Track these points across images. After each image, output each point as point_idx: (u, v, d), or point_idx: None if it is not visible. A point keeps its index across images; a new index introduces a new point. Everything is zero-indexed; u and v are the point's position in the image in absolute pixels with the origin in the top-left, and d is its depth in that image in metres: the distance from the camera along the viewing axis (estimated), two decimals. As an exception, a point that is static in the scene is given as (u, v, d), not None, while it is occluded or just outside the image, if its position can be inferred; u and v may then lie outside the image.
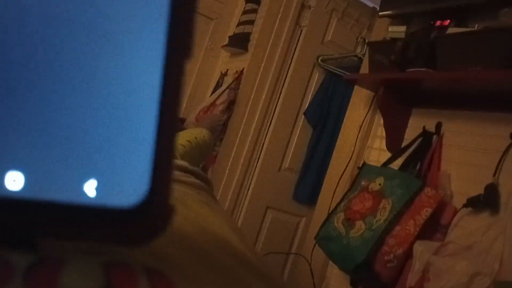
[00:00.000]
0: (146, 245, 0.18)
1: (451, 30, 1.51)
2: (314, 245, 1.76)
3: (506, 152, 1.38)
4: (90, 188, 0.17)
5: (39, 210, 0.16)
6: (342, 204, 1.67)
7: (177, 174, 0.66)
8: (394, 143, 1.75)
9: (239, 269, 0.29)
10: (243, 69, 2.87)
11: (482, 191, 1.37)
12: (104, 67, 0.17)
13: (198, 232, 0.32)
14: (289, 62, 2.76)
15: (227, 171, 2.70)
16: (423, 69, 1.52)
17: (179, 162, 0.77)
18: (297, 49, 2.76)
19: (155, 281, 0.20)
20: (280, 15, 2.73)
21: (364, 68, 2.01)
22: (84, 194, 0.17)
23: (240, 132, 2.70)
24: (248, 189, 2.71)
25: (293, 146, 2.77)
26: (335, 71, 2.71)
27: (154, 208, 0.17)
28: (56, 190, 0.17)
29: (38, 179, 0.16)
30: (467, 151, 1.53)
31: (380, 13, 1.90)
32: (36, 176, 0.16)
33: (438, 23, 1.58)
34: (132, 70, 0.17)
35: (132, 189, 0.17)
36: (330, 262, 1.80)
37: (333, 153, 2.09)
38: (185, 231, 0.31)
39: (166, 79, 0.17)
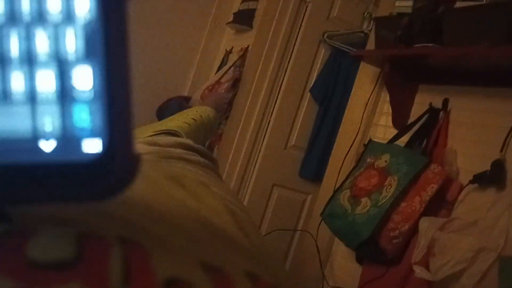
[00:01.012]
0: (115, 196, 0.17)
1: (459, 4, 1.48)
2: (320, 222, 1.77)
3: (513, 128, 1.37)
4: (46, 145, 0.16)
5: None
6: (348, 181, 1.67)
7: (181, 152, 0.66)
8: (400, 120, 1.74)
9: (220, 247, 0.29)
10: (248, 46, 2.85)
11: (488, 167, 1.36)
12: (41, 18, 0.16)
13: (182, 211, 0.32)
14: (294, 38, 2.73)
15: (233, 149, 2.70)
16: (430, 45, 1.49)
17: (184, 140, 0.77)
18: (302, 25, 2.72)
19: (128, 252, 0.20)
20: (285, -10, 2.69)
21: (370, 44, 1.99)
22: (41, 152, 0.16)
23: (246, 110, 2.69)
24: (254, 167, 2.72)
25: (299, 123, 2.76)
26: (341, 48, 2.68)
27: (116, 158, 0.17)
28: (11, 152, 0.16)
29: None
30: (474, 128, 1.52)
31: (387, -13, 1.87)
32: None
33: (446, -3, 1.55)
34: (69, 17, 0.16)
35: (90, 141, 0.16)
36: (336, 239, 1.81)
37: (339, 130, 2.08)
38: (168, 210, 0.31)
39: (106, 22, 0.16)
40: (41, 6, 0.16)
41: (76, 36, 0.16)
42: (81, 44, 0.16)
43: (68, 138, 0.16)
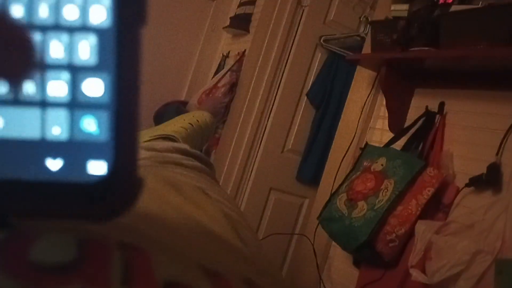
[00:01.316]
0: (115, 218, 0.18)
1: (454, 8, 1.49)
2: (317, 226, 1.78)
3: (509, 131, 1.37)
4: (53, 164, 0.17)
5: (2, 190, 0.16)
6: (345, 185, 1.67)
7: (178, 157, 0.66)
8: (396, 123, 1.75)
9: (218, 253, 0.29)
10: (244, 50, 2.85)
11: (484, 170, 1.37)
12: (53, 48, 0.17)
13: (180, 217, 0.33)
14: (291, 42, 2.73)
15: (230, 153, 2.70)
16: (426, 48, 1.50)
17: (180, 145, 0.77)
18: (299, 29, 2.73)
19: (129, 255, 0.20)
20: (281, -6, 2.70)
21: (367, 48, 1.99)
22: (47, 170, 0.17)
23: (243, 114, 2.69)
24: (252, 171, 2.72)
25: (296, 127, 2.76)
26: (338, 51, 2.69)
27: (119, 181, 0.17)
28: (19, 167, 0.16)
29: None
30: (470, 131, 1.52)
31: (383, -8, 1.87)
32: None
33: (441, 0, 1.55)
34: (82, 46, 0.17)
35: (95, 163, 0.17)
36: (333, 243, 1.81)
37: (336, 134, 2.08)
38: (166, 215, 0.31)
39: (120, 53, 0.17)
40: (58, 14, 0.16)
41: (90, 45, 0.17)
42: (94, 53, 0.17)
43: (75, 158, 0.17)
